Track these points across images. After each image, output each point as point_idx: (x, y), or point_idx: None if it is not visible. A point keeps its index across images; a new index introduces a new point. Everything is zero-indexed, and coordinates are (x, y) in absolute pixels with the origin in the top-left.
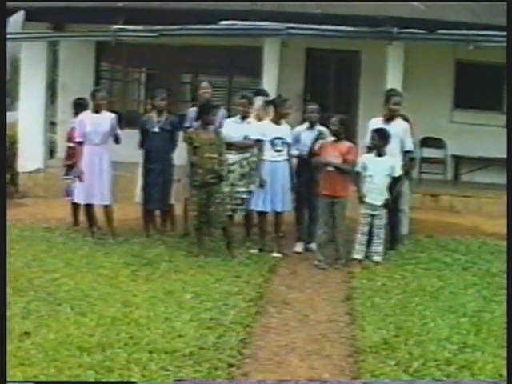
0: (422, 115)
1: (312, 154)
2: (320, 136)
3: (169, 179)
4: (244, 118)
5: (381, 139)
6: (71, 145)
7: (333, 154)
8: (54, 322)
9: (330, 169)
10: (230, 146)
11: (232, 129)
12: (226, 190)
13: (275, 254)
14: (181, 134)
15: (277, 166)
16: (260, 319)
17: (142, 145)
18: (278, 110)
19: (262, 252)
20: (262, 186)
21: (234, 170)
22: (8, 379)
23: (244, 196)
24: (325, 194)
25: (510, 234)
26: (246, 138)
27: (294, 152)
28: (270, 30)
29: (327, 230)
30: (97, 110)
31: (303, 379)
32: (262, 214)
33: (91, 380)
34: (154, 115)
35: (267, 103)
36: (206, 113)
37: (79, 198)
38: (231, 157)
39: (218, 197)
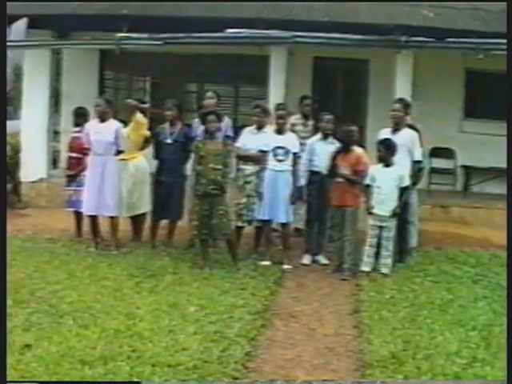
0: (432, 125)
1: (333, 168)
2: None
3: (181, 190)
4: (259, 128)
5: (387, 150)
6: (72, 155)
7: (342, 165)
8: (55, 334)
9: (340, 180)
10: (245, 158)
11: (248, 139)
12: (243, 201)
13: (286, 266)
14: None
15: (278, 175)
16: (265, 332)
17: (156, 156)
18: (271, 117)
19: (275, 264)
20: (259, 197)
21: (251, 181)
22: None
23: None
24: (335, 204)
25: (510, 241)
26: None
27: (305, 164)
28: (276, 39)
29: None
30: (102, 120)
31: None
32: (266, 223)
33: None
34: (166, 126)
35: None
36: (204, 122)
37: (83, 209)
38: (248, 168)
39: (220, 209)
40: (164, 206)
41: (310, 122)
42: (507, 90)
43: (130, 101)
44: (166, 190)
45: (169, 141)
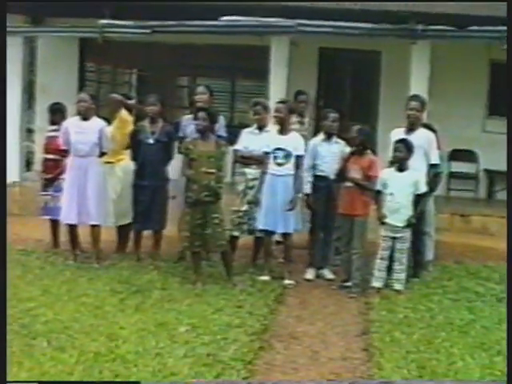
0: (451, 124)
1: (342, 173)
2: (342, 153)
3: (165, 196)
4: (261, 127)
5: (408, 150)
6: (49, 156)
7: (353, 169)
8: (27, 358)
9: (349, 184)
10: (248, 160)
11: (249, 141)
12: (244, 208)
13: (287, 282)
14: (176, 145)
15: (277, 180)
16: (264, 355)
17: (134, 158)
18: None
19: (275, 279)
20: (257, 204)
21: (254, 186)
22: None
23: None
24: (342, 212)
25: (510, 247)
26: None
27: (308, 168)
28: (278, 27)
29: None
30: (84, 117)
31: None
32: (268, 234)
33: None
34: (147, 124)
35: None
36: (195, 119)
37: (62, 217)
38: (251, 171)
39: (215, 217)
40: (147, 214)
41: (306, 120)
42: (507, 89)
43: (114, 95)
44: (149, 196)
45: (150, 141)
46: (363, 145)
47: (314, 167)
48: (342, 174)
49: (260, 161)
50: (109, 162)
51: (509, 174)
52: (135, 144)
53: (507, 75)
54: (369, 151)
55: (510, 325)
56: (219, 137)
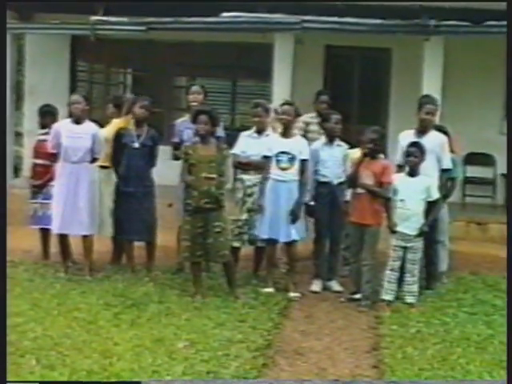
0: (467, 126)
1: (354, 178)
2: (345, 156)
3: (151, 203)
4: (260, 131)
5: (423, 154)
6: (38, 161)
7: (364, 174)
8: (13, 377)
9: (360, 191)
10: (246, 166)
11: (247, 145)
12: (243, 217)
13: (292, 294)
14: (161, 149)
15: (281, 186)
16: (268, 373)
17: (117, 163)
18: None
19: (280, 291)
20: (259, 211)
21: (252, 194)
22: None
23: None
24: (352, 221)
25: (510, 251)
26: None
27: (310, 175)
28: (281, 24)
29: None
30: (77, 120)
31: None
32: (271, 243)
33: None
34: (132, 127)
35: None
36: (194, 121)
37: (52, 226)
38: (249, 177)
39: (216, 225)
40: (133, 223)
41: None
42: (507, 89)
43: (130, 95)
44: (136, 204)
45: (136, 145)
46: (375, 143)
47: (315, 173)
48: (353, 180)
49: (259, 166)
50: (105, 167)
51: (509, 175)
52: (119, 148)
53: (507, 76)
54: (381, 155)
55: (509, 325)
56: (217, 138)
